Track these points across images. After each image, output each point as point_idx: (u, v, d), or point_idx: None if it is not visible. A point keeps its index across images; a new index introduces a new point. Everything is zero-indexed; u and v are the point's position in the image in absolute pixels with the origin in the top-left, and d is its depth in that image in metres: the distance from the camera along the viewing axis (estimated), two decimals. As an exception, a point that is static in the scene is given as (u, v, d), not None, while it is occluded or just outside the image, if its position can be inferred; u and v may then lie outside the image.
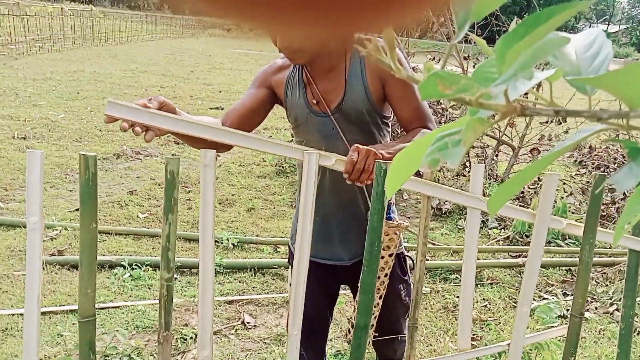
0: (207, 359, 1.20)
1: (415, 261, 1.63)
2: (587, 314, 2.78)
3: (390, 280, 1.45)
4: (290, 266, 1.62)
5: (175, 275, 2.78)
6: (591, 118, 0.41)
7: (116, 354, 2.00)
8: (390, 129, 1.48)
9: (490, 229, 3.93)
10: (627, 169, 0.48)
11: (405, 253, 1.60)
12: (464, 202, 1.27)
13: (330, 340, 2.40)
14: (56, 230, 3.24)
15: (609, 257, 3.39)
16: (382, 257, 1.37)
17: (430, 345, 2.42)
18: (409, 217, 4.04)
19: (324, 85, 1.39)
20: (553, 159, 0.48)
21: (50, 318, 2.35)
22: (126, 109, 1.05)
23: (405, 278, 1.58)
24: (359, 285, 1.39)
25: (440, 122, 4.58)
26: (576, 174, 5.49)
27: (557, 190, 5.09)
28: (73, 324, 2.25)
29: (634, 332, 2.63)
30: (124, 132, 1.10)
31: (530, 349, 2.10)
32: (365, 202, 1.44)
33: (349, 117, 1.37)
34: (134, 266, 2.80)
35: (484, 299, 2.89)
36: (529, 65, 0.33)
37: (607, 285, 3.08)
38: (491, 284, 3.06)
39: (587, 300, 2.96)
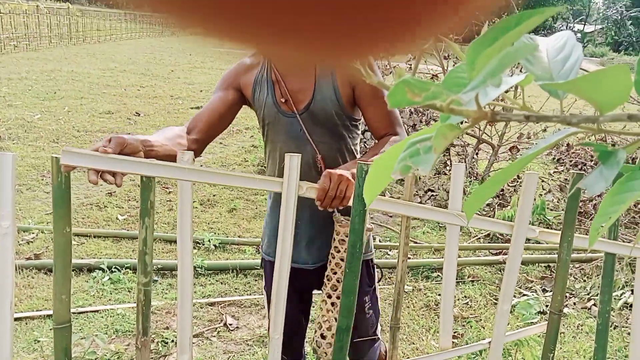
0: (187, 364, 1.18)
1: (378, 268, 1.60)
2: (565, 310, 2.83)
3: None
4: (263, 271, 1.61)
5: (155, 278, 2.74)
6: (562, 122, 0.41)
7: (95, 359, 1.97)
8: (360, 132, 1.47)
9: (470, 226, 3.97)
10: (598, 172, 0.48)
11: (374, 262, 1.55)
12: (443, 219, 1.28)
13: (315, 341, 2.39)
14: (32, 233, 3.17)
15: (587, 253, 3.45)
16: (333, 257, 1.35)
17: (413, 343, 2.44)
18: (391, 217, 4.06)
19: (292, 84, 1.37)
20: (528, 161, 0.48)
21: (26, 324, 2.30)
22: (83, 157, 1.01)
23: (371, 289, 1.52)
24: (322, 289, 1.38)
25: (421, 121, 4.61)
26: (554, 172, 5.59)
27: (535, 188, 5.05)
28: (50, 329, 2.21)
29: (611, 326, 2.69)
30: (95, 185, 1.07)
31: (511, 346, 2.13)
32: None
33: (317, 118, 1.36)
34: (113, 269, 2.76)
35: (465, 297, 2.92)
36: (498, 72, 0.33)
37: (585, 281, 3.14)
38: (472, 281, 3.09)
39: (566, 296, 3.01)
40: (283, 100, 1.37)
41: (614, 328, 2.65)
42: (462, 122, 0.43)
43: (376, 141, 1.42)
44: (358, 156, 1.46)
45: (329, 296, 1.35)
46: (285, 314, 1.27)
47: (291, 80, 1.37)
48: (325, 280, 1.36)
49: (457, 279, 3.08)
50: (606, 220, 0.55)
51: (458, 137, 4.58)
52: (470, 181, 4.63)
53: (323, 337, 1.36)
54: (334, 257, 1.34)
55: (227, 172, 1.11)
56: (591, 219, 4.12)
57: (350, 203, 1.20)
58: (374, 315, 1.53)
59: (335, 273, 1.34)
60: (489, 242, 3.70)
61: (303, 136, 1.37)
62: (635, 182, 0.54)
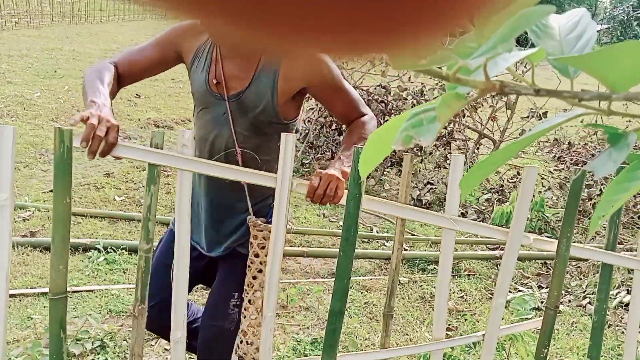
0: (181, 340, 1.18)
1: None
2: (560, 307, 2.82)
3: (227, 282, 1.41)
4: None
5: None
6: (572, 99, 0.39)
7: (88, 338, 1.96)
8: (292, 133, 1.41)
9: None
10: (606, 154, 0.46)
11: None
12: (439, 223, 1.27)
13: (307, 328, 2.39)
14: (29, 211, 3.16)
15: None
16: (252, 262, 1.30)
17: (407, 334, 2.44)
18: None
19: (230, 68, 1.33)
20: (529, 141, 0.46)
21: (20, 300, 2.30)
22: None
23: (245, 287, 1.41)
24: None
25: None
26: (555, 169, 5.57)
27: (535, 184, 5.08)
28: (44, 307, 2.20)
29: (605, 325, 2.69)
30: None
31: (505, 340, 2.13)
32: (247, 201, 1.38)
33: (244, 109, 1.32)
34: (109, 250, 2.75)
35: (460, 290, 2.92)
36: (510, 37, 0.31)
37: (581, 279, 3.13)
38: (468, 275, 3.09)
39: (562, 294, 3.01)
40: (215, 81, 1.33)
41: (609, 327, 2.65)
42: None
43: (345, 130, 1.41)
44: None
45: (251, 301, 1.31)
46: (162, 287, 1.29)
47: (230, 63, 1.33)
48: (246, 287, 1.32)
49: (453, 273, 3.09)
50: (608, 209, 0.53)
51: (459, 131, 4.50)
52: (470, 176, 4.61)
53: (249, 343, 1.31)
54: (253, 263, 1.30)
55: (224, 165, 1.13)
56: (589, 218, 4.11)
57: (343, 202, 1.19)
58: (237, 315, 1.42)
59: (255, 278, 1.30)
60: (486, 237, 3.69)
61: (225, 122, 1.33)
62: (642, 171, 0.53)
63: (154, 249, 1.39)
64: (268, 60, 1.30)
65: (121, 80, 1.36)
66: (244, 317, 1.33)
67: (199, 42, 1.37)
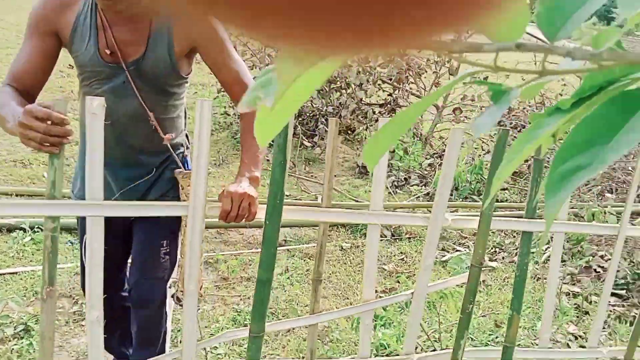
0: (98, 320, 1.12)
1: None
2: (494, 264, 2.96)
3: (153, 232, 1.40)
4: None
5: (76, 239, 2.61)
6: (440, 50, 0.37)
7: (10, 322, 1.86)
8: (187, 85, 1.42)
9: (411, 186, 4.05)
10: (488, 112, 0.45)
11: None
12: (361, 220, 1.28)
13: (248, 298, 2.38)
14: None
15: (518, 210, 3.61)
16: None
17: (347, 298, 2.48)
18: (335, 176, 4.05)
19: (122, 34, 1.26)
20: (423, 106, 0.44)
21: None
22: None
23: (172, 236, 1.43)
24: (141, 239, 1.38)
25: (368, 81, 4.56)
26: (495, 134, 5.75)
27: (475, 148, 5.15)
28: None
29: (534, 278, 2.85)
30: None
31: (436, 299, 2.20)
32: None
33: (146, 74, 1.28)
34: (35, 229, 2.59)
35: (401, 252, 2.99)
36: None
37: (514, 237, 3.29)
38: (409, 238, 3.16)
39: (495, 251, 3.15)
40: (108, 51, 1.26)
41: (537, 280, 2.81)
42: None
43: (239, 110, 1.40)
44: (183, 108, 1.43)
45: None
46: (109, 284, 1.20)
47: (120, 29, 1.25)
48: (181, 236, 1.34)
49: (394, 236, 3.15)
50: (508, 168, 0.53)
51: (404, 98, 4.52)
52: (414, 142, 4.69)
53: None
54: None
55: (135, 203, 1.09)
56: (525, 179, 4.30)
57: (258, 216, 1.19)
58: (169, 262, 1.45)
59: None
60: (427, 201, 3.78)
61: (128, 90, 1.28)
62: (541, 130, 0.52)
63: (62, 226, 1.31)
64: (160, 22, 1.24)
65: (26, 95, 1.25)
66: (180, 266, 1.33)
67: (74, 13, 1.25)
